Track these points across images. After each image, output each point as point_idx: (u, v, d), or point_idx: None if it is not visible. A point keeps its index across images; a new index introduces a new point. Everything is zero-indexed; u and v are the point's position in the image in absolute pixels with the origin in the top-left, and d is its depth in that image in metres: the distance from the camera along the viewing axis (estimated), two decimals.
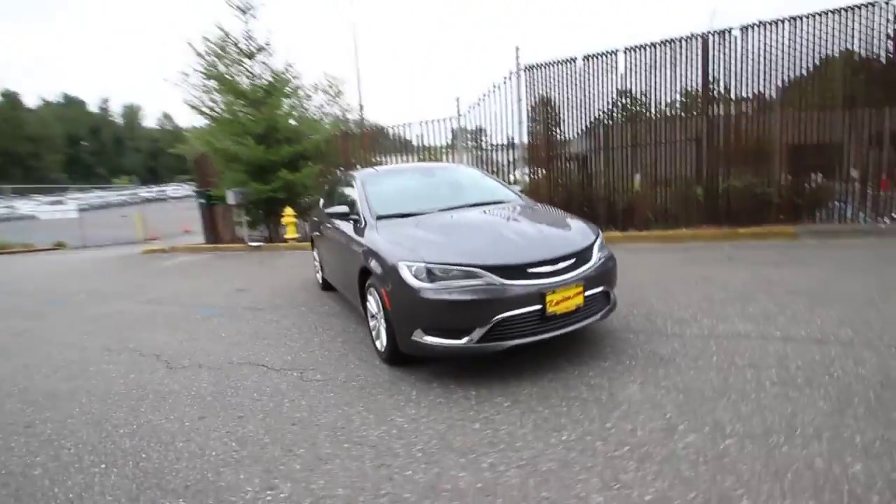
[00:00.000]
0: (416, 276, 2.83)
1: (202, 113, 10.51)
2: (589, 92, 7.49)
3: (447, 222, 3.45)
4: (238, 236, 11.86)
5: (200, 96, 10.58)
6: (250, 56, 10.52)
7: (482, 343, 2.74)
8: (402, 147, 10.30)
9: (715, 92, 6.89)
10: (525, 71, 7.80)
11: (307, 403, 2.87)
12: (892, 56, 6.18)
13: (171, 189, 47.17)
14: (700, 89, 6.91)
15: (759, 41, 6.56)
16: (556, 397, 2.64)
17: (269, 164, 10.43)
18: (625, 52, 7.15)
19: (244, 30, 10.30)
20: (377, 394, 2.91)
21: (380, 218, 3.67)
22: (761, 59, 6.58)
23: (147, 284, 7.59)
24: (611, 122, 7.51)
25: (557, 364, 3.05)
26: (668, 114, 7.24)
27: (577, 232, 3.31)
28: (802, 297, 3.90)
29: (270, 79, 10.59)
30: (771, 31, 6.48)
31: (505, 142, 8.61)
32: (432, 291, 2.76)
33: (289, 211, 10.41)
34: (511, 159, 8.62)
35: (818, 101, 6.57)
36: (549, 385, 2.79)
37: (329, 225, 4.70)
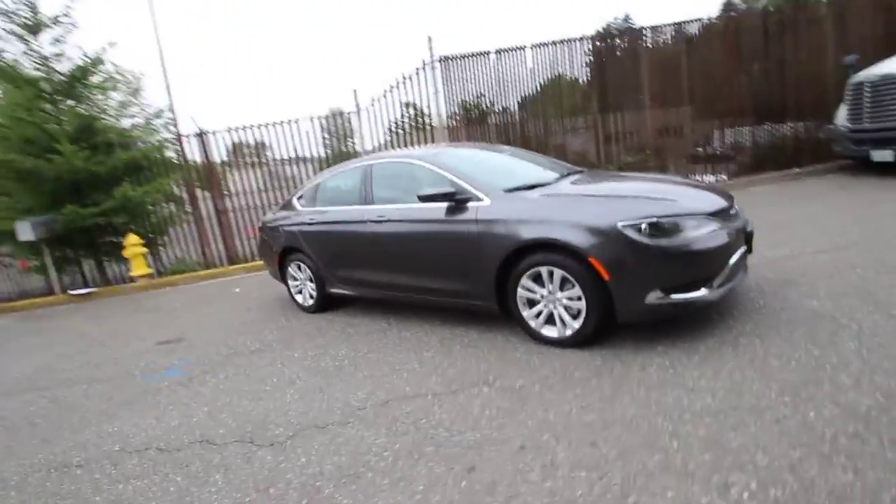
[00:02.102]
0: (646, 235, 2.58)
1: None
2: (503, 84, 7.91)
3: (601, 187, 3.22)
4: (21, 287, 8.25)
5: None
6: (35, 30, 7.41)
7: (720, 289, 2.69)
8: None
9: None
10: (441, 62, 7.71)
11: (572, 408, 2.28)
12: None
13: None
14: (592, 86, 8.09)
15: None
16: (786, 331, 2.73)
17: (93, 179, 7.59)
18: (531, 49, 7.81)
19: None
20: (627, 373, 2.51)
21: (508, 191, 3.17)
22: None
23: None
24: (525, 113, 8.09)
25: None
26: (571, 105, 8.23)
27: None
28: (800, 226, 4.78)
29: (77, 62, 7.68)
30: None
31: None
32: (671, 246, 2.56)
33: (133, 239, 7.75)
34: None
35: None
36: (759, 320, 2.89)
37: (372, 220, 3.74)
